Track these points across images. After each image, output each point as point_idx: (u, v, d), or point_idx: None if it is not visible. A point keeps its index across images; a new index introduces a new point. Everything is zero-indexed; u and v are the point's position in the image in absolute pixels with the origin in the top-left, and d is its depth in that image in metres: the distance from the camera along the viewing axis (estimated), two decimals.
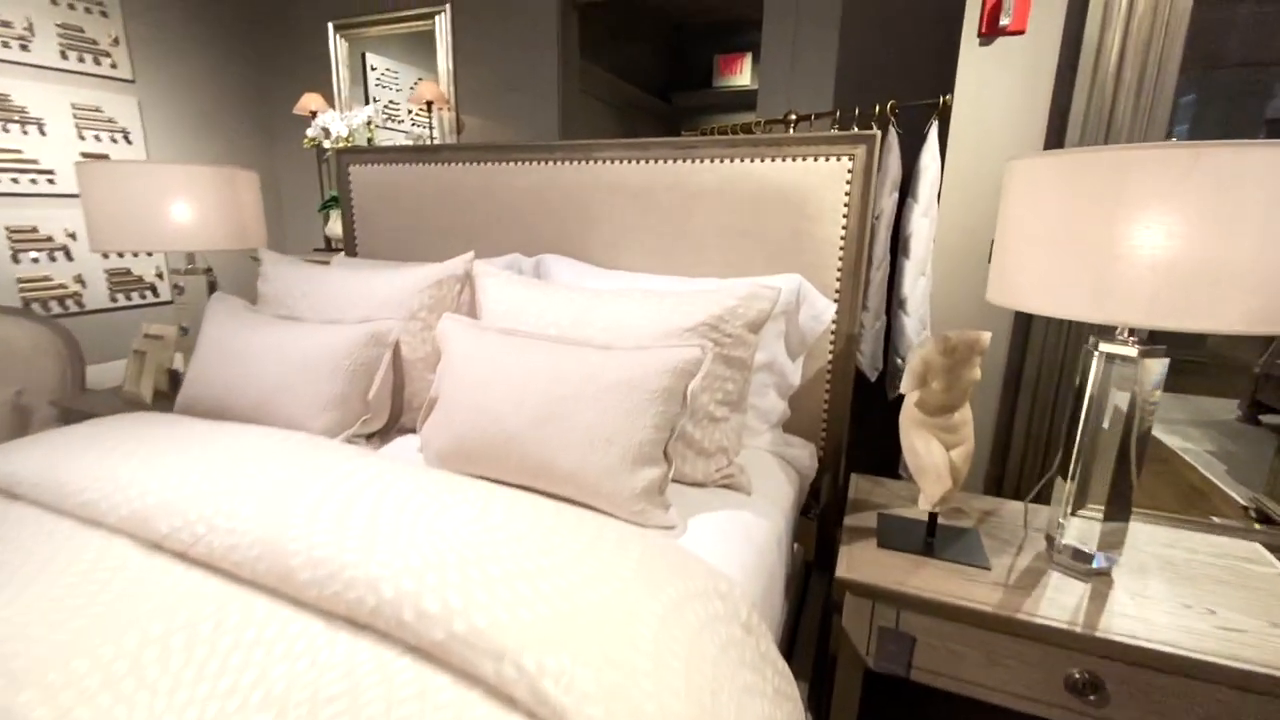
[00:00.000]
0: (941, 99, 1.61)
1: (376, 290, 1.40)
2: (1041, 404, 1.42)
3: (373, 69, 3.76)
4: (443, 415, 1.11)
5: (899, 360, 1.78)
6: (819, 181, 1.36)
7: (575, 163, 1.58)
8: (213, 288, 1.77)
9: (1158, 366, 0.93)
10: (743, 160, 1.42)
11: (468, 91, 3.30)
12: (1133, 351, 0.93)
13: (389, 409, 1.34)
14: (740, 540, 1.01)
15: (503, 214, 1.69)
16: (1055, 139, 1.32)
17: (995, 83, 1.35)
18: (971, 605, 0.93)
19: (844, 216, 1.36)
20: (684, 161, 1.47)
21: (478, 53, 3.23)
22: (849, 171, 1.34)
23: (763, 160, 1.40)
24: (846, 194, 1.35)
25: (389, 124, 3.68)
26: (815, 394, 1.46)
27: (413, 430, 1.36)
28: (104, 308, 2.99)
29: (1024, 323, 1.41)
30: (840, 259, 1.38)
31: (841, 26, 2.32)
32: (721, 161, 1.44)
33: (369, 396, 1.27)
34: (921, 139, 1.63)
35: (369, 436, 1.31)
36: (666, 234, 1.52)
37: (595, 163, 1.56)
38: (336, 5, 3.52)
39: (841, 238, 1.37)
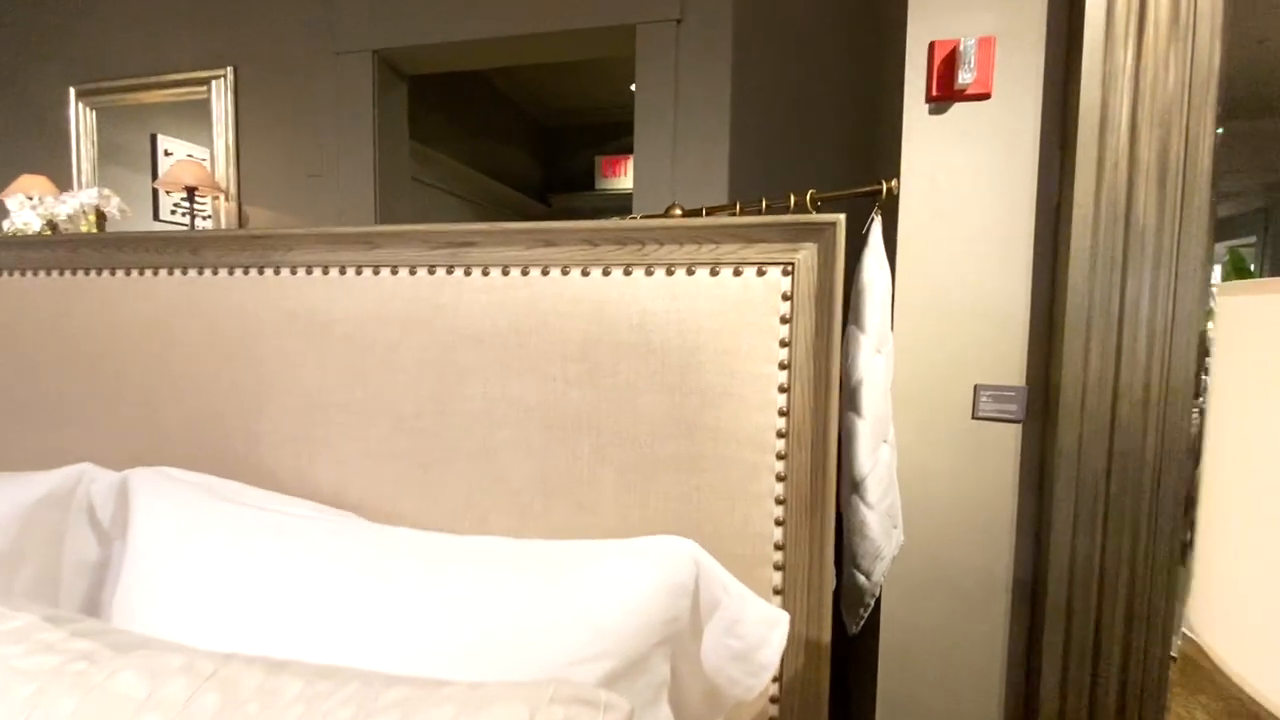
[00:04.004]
0: (884, 186, 1.04)
1: None
2: (1081, 617, 0.93)
3: (167, 153, 2.91)
4: None
5: (860, 577, 1.06)
6: (725, 316, 0.62)
7: (241, 272, 0.77)
8: None
9: None
10: (565, 271, 0.67)
11: (254, 175, 2.48)
12: None
13: None
14: None
15: (103, 372, 0.83)
16: (1049, 239, 0.98)
17: (956, 163, 1.01)
18: None
19: (781, 389, 0.62)
20: (451, 271, 0.70)
21: (267, 128, 2.45)
22: (785, 297, 0.61)
23: (608, 272, 0.65)
24: (784, 341, 0.62)
25: (185, 217, 2.80)
26: None
27: None
28: None
29: (1033, 499, 0.92)
30: (781, 480, 0.62)
31: (733, 104, 1.76)
32: (525, 273, 0.68)
33: None
34: (860, 242, 1.01)
35: None
36: (408, 419, 0.71)
37: (279, 272, 0.76)
38: (86, 68, 2.66)
39: (780, 433, 0.62)
